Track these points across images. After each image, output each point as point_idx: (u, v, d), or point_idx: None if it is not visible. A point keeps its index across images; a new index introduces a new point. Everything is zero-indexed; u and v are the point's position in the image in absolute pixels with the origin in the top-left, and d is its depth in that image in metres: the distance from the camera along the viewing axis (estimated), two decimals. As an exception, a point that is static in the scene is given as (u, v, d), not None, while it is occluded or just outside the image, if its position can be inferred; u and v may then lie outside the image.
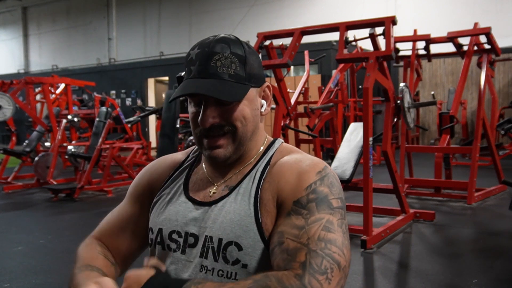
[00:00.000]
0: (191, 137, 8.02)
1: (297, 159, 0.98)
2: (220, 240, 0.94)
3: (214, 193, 1.01)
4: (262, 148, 1.04)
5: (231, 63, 0.94)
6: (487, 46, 5.69)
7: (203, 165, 1.07)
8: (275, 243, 0.88)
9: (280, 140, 1.07)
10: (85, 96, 12.62)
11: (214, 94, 0.91)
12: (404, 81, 5.90)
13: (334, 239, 0.86)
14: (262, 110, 1.03)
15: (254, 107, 1.00)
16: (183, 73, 1.03)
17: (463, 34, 5.61)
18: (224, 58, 0.94)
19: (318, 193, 0.91)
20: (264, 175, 0.98)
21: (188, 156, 1.12)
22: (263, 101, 1.04)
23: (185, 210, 1.01)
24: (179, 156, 1.14)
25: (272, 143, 1.06)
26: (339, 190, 0.94)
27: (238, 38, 0.99)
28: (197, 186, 1.04)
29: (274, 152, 1.03)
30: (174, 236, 1.00)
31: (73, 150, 7.04)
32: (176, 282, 0.83)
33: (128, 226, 1.11)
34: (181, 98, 1.19)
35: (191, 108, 0.99)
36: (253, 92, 0.99)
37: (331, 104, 6.34)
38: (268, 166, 0.99)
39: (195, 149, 1.14)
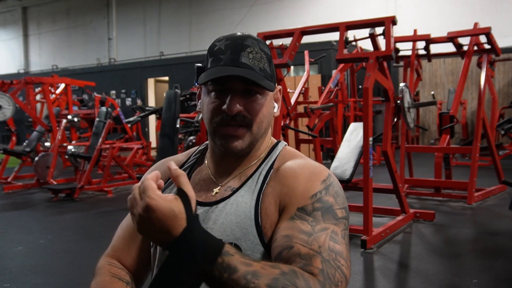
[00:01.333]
0: (191, 137, 8.01)
1: (300, 164, 0.98)
2: None
3: (216, 193, 1.01)
4: (266, 150, 1.05)
5: (261, 58, 0.96)
6: (487, 46, 5.69)
7: (207, 165, 1.08)
8: (282, 246, 0.87)
9: (283, 143, 1.08)
10: (85, 96, 12.62)
11: (255, 79, 0.93)
12: (404, 81, 5.90)
13: (341, 251, 0.86)
14: (275, 111, 1.05)
15: (272, 105, 1.03)
16: (201, 64, 1.02)
17: (463, 34, 5.61)
18: (255, 52, 0.96)
19: (323, 202, 0.91)
20: (268, 179, 0.98)
21: (189, 158, 1.13)
22: (275, 104, 1.06)
23: None
24: (180, 157, 1.15)
25: (275, 145, 1.07)
26: (343, 199, 0.95)
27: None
28: (199, 186, 1.04)
29: (277, 155, 1.03)
30: None
31: (73, 150, 7.04)
32: (212, 245, 0.77)
33: (137, 236, 1.09)
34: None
35: (209, 99, 0.98)
36: (271, 92, 1.02)
37: (331, 104, 6.34)
38: (272, 170, 1.00)
39: (196, 150, 1.14)
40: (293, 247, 0.85)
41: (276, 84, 1.06)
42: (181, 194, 0.77)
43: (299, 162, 0.99)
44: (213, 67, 0.95)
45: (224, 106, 0.95)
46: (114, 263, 1.07)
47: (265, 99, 0.98)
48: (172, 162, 0.82)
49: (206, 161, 1.09)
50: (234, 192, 0.99)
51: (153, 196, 0.75)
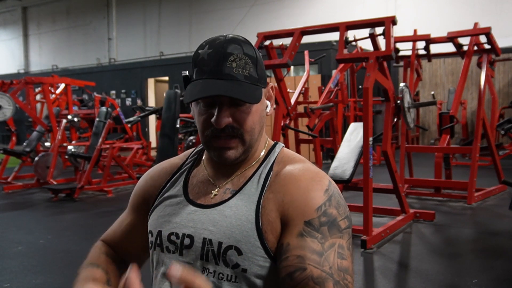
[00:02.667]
0: (191, 137, 8.02)
1: (300, 171, 0.98)
2: (220, 243, 0.93)
3: (215, 195, 1.01)
4: (263, 152, 1.05)
5: (245, 64, 0.94)
6: (487, 46, 5.69)
7: (204, 167, 1.07)
8: (295, 267, 0.88)
9: (280, 145, 1.07)
10: (85, 96, 12.62)
11: (238, 95, 0.91)
12: (404, 81, 5.90)
13: (347, 267, 0.89)
14: (267, 110, 1.04)
15: (263, 108, 1.01)
16: (187, 72, 1.01)
17: (463, 34, 5.61)
18: (238, 59, 0.93)
19: (328, 215, 0.92)
20: (268, 182, 0.98)
21: (186, 160, 1.12)
22: (268, 102, 1.04)
23: (184, 212, 1.01)
24: (176, 160, 1.14)
25: (273, 147, 1.06)
26: (344, 208, 0.95)
27: (246, 38, 0.99)
28: (197, 188, 1.04)
29: (276, 158, 1.03)
30: (173, 237, 1.00)
31: (73, 150, 7.04)
32: None
33: (130, 233, 1.14)
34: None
35: (199, 109, 0.98)
36: (262, 93, 1.00)
37: (331, 104, 6.34)
38: (271, 173, 0.99)
39: (193, 152, 1.14)
40: (307, 269, 0.87)
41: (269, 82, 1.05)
42: None
43: (299, 168, 0.99)
44: (197, 80, 0.94)
45: (213, 119, 0.94)
46: (106, 245, 1.16)
47: (255, 105, 0.97)
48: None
49: (203, 163, 1.08)
50: (234, 194, 0.98)
51: None
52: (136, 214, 1.14)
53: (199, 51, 0.96)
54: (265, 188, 0.97)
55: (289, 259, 0.89)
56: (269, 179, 0.98)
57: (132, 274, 0.70)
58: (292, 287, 0.87)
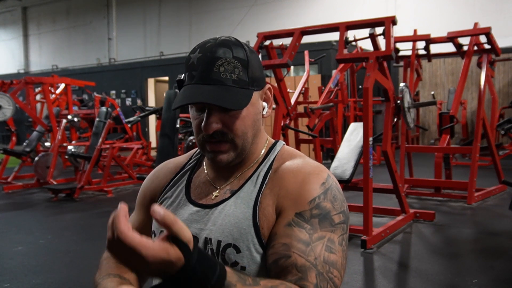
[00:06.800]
0: (191, 137, 8.01)
1: (298, 165, 0.97)
2: (218, 242, 0.94)
3: (216, 196, 1.01)
4: (263, 151, 1.04)
5: (234, 68, 0.93)
6: (487, 46, 5.69)
7: (205, 169, 1.07)
8: (280, 254, 0.88)
9: (281, 143, 1.07)
10: (85, 96, 12.62)
11: (219, 102, 0.90)
12: (404, 81, 5.90)
13: (335, 262, 0.87)
14: (264, 112, 1.02)
15: (257, 111, 0.99)
16: (182, 76, 1.01)
17: (463, 34, 5.61)
18: (227, 63, 0.92)
19: (321, 208, 0.91)
20: (266, 180, 0.97)
21: (190, 159, 1.12)
22: (265, 104, 1.03)
23: (186, 212, 1.01)
24: (181, 159, 1.14)
25: (274, 145, 1.05)
26: (341, 203, 0.94)
27: (238, 40, 0.97)
28: (199, 189, 1.04)
29: (276, 156, 1.02)
30: None
31: (73, 150, 7.04)
32: (215, 266, 0.74)
33: (141, 233, 1.10)
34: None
35: (193, 113, 0.98)
36: (255, 95, 0.98)
37: (331, 104, 6.34)
38: (270, 170, 0.99)
39: (197, 151, 1.13)
40: (291, 256, 0.86)
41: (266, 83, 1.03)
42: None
43: (298, 163, 0.98)
44: (187, 85, 0.94)
45: (202, 125, 0.94)
46: None
47: (246, 109, 0.95)
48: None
49: (204, 165, 1.08)
50: (233, 194, 0.99)
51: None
52: (145, 214, 1.12)
53: (191, 55, 0.95)
54: (264, 185, 0.96)
55: (275, 246, 0.89)
56: (268, 176, 0.98)
57: (121, 211, 0.72)
58: (276, 274, 0.87)
